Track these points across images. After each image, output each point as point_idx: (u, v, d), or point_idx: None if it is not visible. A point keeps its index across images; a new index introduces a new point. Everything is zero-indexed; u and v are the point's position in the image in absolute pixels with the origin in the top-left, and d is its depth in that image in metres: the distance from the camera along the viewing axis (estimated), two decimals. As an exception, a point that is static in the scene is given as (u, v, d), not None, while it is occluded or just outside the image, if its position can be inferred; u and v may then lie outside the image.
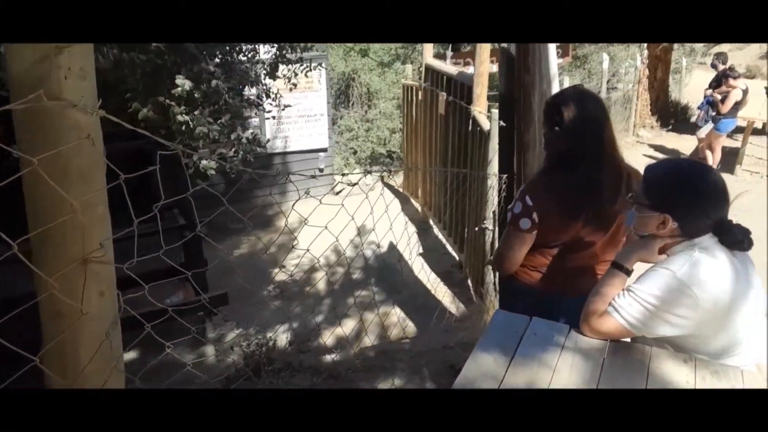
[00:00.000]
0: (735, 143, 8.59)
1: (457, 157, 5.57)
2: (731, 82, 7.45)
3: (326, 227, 1.65)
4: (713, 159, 7.72)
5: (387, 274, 5.78)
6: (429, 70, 6.54)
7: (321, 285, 5.59)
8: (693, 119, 9.70)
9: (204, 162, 2.67)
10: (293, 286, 5.60)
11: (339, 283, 5.65)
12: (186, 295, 4.73)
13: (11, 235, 0.79)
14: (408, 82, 7.41)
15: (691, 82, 12.45)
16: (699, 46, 14.46)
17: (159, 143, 1.01)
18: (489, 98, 5.11)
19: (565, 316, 1.90)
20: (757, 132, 9.19)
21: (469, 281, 5.31)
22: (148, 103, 3.06)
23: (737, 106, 7.47)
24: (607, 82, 9.48)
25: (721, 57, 8.05)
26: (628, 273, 1.59)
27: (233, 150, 3.40)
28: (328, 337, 4.58)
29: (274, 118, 6.35)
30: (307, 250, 1.75)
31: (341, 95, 10.65)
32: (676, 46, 11.48)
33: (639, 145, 9.64)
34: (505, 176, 3.34)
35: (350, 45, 10.88)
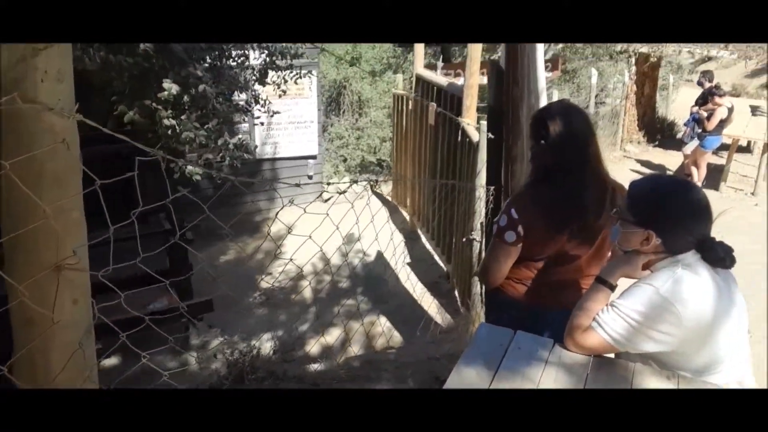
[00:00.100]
0: (720, 160, 8.71)
1: (446, 168, 5.58)
2: (717, 99, 7.56)
3: (310, 236, 1.63)
4: (698, 175, 7.81)
5: (374, 283, 5.76)
6: (420, 80, 6.57)
7: (307, 293, 5.55)
8: (679, 135, 9.83)
9: (189, 167, 2.64)
10: (279, 294, 5.56)
11: (325, 291, 5.61)
12: (170, 301, 4.67)
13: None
14: (398, 92, 7.43)
15: (678, 99, 12.63)
16: (686, 63, 14.67)
17: (138, 148, 0.99)
18: (479, 110, 5.13)
19: (550, 330, 1.90)
20: (741, 149, 9.34)
21: (456, 292, 5.30)
22: (135, 106, 3.02)
23: (722, 123, 7.57)
24: (596, 96, 9.58)
25: (708, 75, 8.17)
26: (612, 288, 1.59)
27: (220, 155, 3.36)
28: (312, 346, 4.54)
29: (263, 124, 6.33)
30: (291, 260, 1.73)
31: (332, 103, 10.65)
32: (663, 63, 11.64)
33: (626, 159, 9.74)
34: (492, 188, 3.35)
35: (341, 53, 10.89)
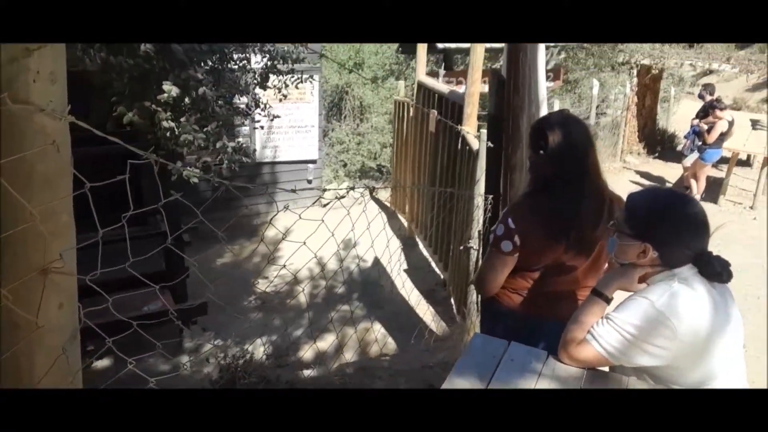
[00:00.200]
0: (719, 173, 8.72)
1: (446, 175, 5.57)
2: (718, 113, 7.57)
3: (305, 243, 1.62)
4: (698, 188, 7.82)
5: (370, 289, 5.75)
6: (421, 87, 6.58)
7: (302, 298, 5.53)
8: (679, 148, 9.85)
9: (187, 170, 2.64)
10: (274, 298, 5.54)
11: (321, 296, 5.60)
12: (165, 303, 4.65)
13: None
14: (400, 98, 7.44)
15: (679, 111, 12.66)
16: (688, 76, 14.72)
17: (137, 149, 0.99)
18: (480, 118, 5.13)
19: (545, 340, 1.89)
20: (741, 163, 9.36)
21: (452, 300, 5.28)
22: (134, 107, 3.02)
23: (723, 137, 7.58)
24: (597, 107, 9.60)
25: (709, 88, 8.20)
26: (608, 301, 1.58)
27: (218, 159, 3.36)
28: (306, 351, 4.52)
29: (262, 128, 6.32)
30: (284, 266, 1.72)
31: (334, 108, 10.67)
32: (665, 75, 11.68)
33: (626, 170, 9.75)
34: (490, 197, 3.35)
35: (344, 59, 10.92)
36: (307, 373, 4.11)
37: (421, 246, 6.74)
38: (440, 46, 7.77)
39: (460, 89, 5.86)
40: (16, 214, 0.77)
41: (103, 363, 4.29)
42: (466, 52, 5.73)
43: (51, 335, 0.84)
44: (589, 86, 9.64)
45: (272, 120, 4.56)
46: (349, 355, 4.48)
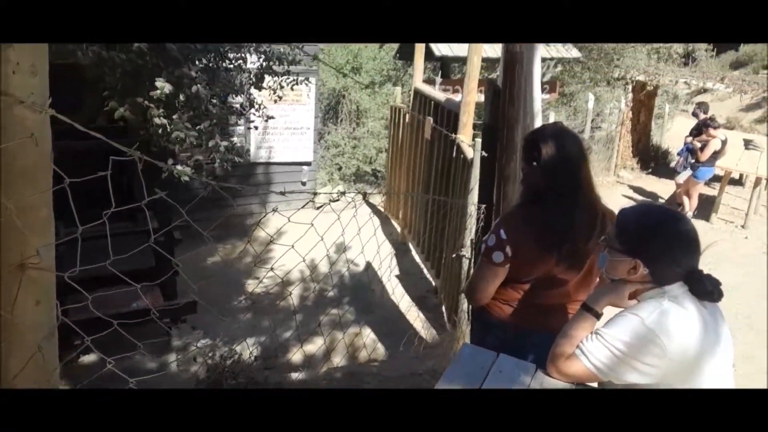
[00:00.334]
0: (712, 191, 8.77)
1: (440, 183, 5.57)
2: (711, 131, 7.62)
3: (293, 246, 1.61)
4: (690, 205, 7.86)
5: (361, 293, 5.72)
6: (418, 94, 6.59)
7: (293, 300, 5.50)
8: (672, 164, 9.91)
9: (179, 167, 2.62)
10: (265, 299, 5.50)
11: (311, 299, 5.57)
12: (154, 300, 4.61)
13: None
14: (396, 104, 7.45)
15: (673, 128, 12.75)
16: (682, 94, 14.84)
17: (132, 144, 0.97)
18: (475, 127, 5.14)
19: (534, 352, 1.88)
20: (733, 182, 9.42)
21: (444, 308, 5.27)
22: (126, 103, 2.99)
23: (716, 155, 7.63)
24: (592, 121, 9.65)
25: (703, 106, 8.26)
26: (598, 316, 1.57)
27: (210, 157, 3.34)
28: (294, 354, 4.49)
29: (256, 128, 6.29)
30: (271, 269, 1.71)
31: (330, 111, 10.67)
32: (659, 92, 11.77)
33: (619, 185, 9.80)
34: (483, 206, 3.34)
35: (341, 62, 10.93)
36: (295, 376, 4.07)
37: (413, 252, 6.73)
38: (438, 53, 7.80)
39: (457, 98, 5.87)
40: (-7, 208, 0.75)
41: (90, 358, 4.24)
42: (464, 61, 5.75)
43: (27, 332, 0.82)
44: (584, 100, 9.70)
45: (267, 121, 4.54)
46: (337, 360, 4.45)
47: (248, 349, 4.16)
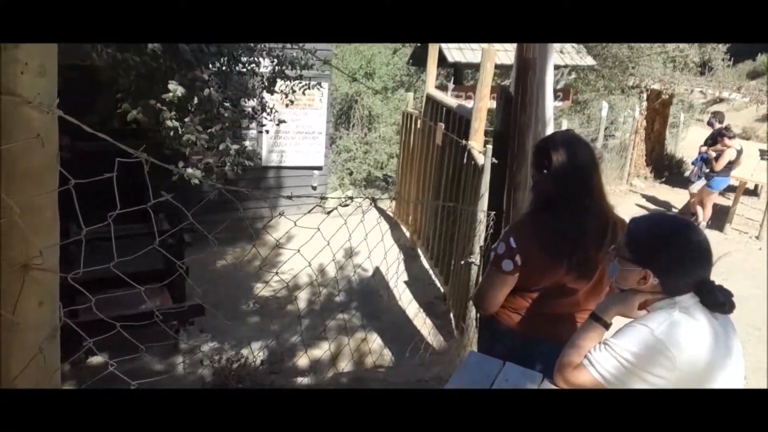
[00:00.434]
0: (726, 202, 8.67)
1: (451, 189, 5.55)
2: (726, 141, 7.54)
3: (299, 251, 1.60)
4: (704, 215, 7.77)
5: (369, 298, 5.71)
6: (430, 99, 6.58)
7: (301, 304, 5.50)
8: (686, 174, 9.82)
9: (189, 170, 2.63)
10: (273, 303, 5.51)
11: (319, 304, 5.56)
12: (163, 302, 4.63)
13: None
14: (408, 110, 7.45)
15: (688, 137, 12.64)
16: (698, 103, 14.71)
17: (145, 146, 0.97)
18: (486, 134, 5.12)
19: (543, 362, 1.86)
20: (748, 192, 9.31)
21: (452, 315, 5.24)
22: (139, 105, 3.02)
23: (731, 165, 7.55)
24: (605, 129, 9.59)
25: (718, 116, 8.18)
26: (607, 326, 1.55)
27: (220, 160, 3.35)
28: (300, 358, 4.48)
29: (267, 132, 6.31)
30: (276, 273, 1.70)
31: (342, 116, 10.71)
32: (675, 101, 11.67)
33: (632, 194, 9.71)
34: (492, 213, 3.32)
35: (355, 68, 10.98)
36: (300, 380, 4.07)
37: (422, 258, 6.71)
38: (451, 59, 7.79)
39: (469, 104, 5.86)
40: (-3, 208, 0.75)
41: (98, 359, 4.26)
42: (477, 67, 5.74)
43: (29, 333, 0.82)
44: (598, 108, 9.64)
45: (278, 125, 4.56)
46: (344, 365, 4.44)
47: (255, 353, 4.16)
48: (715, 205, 8.03)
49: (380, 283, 5.70)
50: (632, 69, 10.64)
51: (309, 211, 1.57)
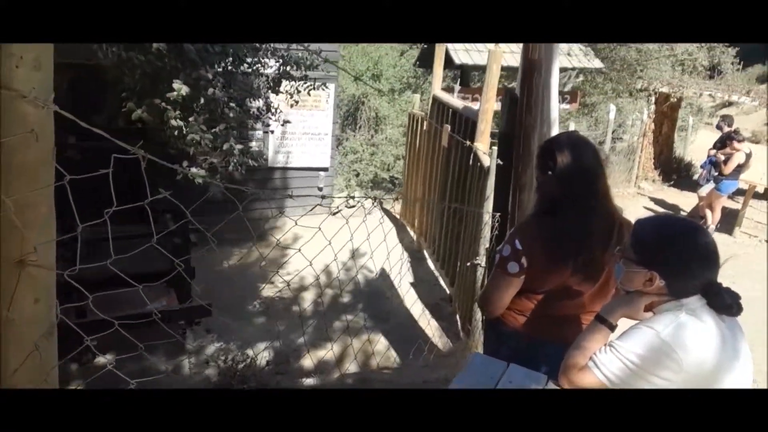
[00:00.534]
0: (735, 205, 8.60)
1: (456, 190, 5.54)
2: (735, 144, 7.49)
3: (299, 250, 1.60)
4: (713, 218, 7.71)
5: (375, 300, 5.70)
6: (436, 101, 6.57)
7: (307, 305, 5.50)
8: (695, 177, 9.75)
9: (193, 170, 2.64)
10: (279, 304, 5.50)
11: (325, 305, 5.55)
12: (169, 302, 4.64)
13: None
14: (415, 112, 7.44)
15: (696, 141, 12.55)
16: (706, 107, 14.61)
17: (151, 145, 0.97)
18: (492, 135, 5.10)
19: (547, 363, 1.85)
20: (758, 196, 9.22)
21: (458, 316, 5.22)
22: (144, 104, 3.03)
23: (740, 168, 7.50)
24: (613, 132, 9.54)
25: (727, 119, 8.13)
26: (612, 328, 1.53)
27: (225, 160, 3.36)
28: (305, 358, 4.48)
29: (272, 132, 6.31)
30: (276, 272, 1.70)
31: (349, 117, 10.71)
32: (683, 104, 11.60)
33: (640, 197, 9.66)
34: (498, 215, 3.30)
35: (362, 69, 10.99)
36: (306, 381, 4.07)
37: (429, 260, 6.69)
38: (457, 61, 7.78)
39: (475, 106, 5.84)
40: (-8, 203, 0.74)
41: (103, 360, 4.27)
42: (483, 69, 5.73)
43: (25, 330, 0.81)
44: (606, 110, 9.59)
45: (284, 125, 4.55)
46: (349, 366, 4.43)
47: (261, 353, 4.16)
48: (724, 209, 7.97)
49: (386, 285, 5.69)
50: (640, 72, 10.58)
51: (310, 210, 1.56)
